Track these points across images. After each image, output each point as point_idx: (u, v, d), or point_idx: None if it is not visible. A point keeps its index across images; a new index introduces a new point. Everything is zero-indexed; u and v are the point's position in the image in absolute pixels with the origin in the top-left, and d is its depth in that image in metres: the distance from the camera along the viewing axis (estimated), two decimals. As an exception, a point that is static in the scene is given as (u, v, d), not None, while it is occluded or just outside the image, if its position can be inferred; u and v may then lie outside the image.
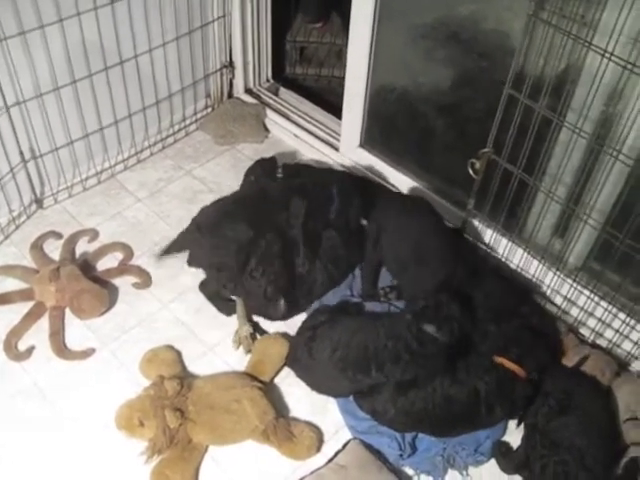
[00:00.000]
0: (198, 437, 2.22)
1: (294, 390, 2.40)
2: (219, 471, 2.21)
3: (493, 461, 2.25)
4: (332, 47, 3.92)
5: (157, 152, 3.29)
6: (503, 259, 2.69)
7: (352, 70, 2.96)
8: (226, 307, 2.61)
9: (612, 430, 2.23)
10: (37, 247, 2.76)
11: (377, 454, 2.22)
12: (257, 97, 3.56)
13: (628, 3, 1.93)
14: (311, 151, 3.32)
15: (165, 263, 2.76)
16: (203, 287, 2.66)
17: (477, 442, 2.26)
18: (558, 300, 2.60)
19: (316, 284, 2.60)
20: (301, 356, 2.36)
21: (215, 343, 2.54)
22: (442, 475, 2.22)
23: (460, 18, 2.58)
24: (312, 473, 2.15)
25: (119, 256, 2.80)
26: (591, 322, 2.55)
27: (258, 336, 2.53)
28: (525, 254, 2.62)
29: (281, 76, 3.82)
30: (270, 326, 2.59)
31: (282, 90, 3.64)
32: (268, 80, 3.67)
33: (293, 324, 2.54)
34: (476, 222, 2.76)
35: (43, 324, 2.52)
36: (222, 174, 3.21)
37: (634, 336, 2.43)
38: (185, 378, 2.32)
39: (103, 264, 2.76)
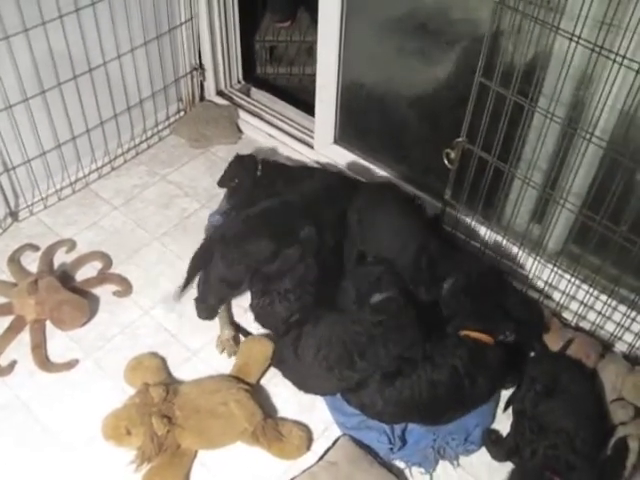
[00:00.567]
0: (186, 442, 2.20)
1: (281, 390, 2.39)
2: (210, 476, 2.19)
3: (484, 449, 2.26)
4: (302, 45, 3.91)
5: (131, 159, 3.26)
6: (482, 248, 2.70)
7: (322, 66, 2.95)
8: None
9: (599, 411, 2.25)
10: (14, 260, 2.73)
11: (367, 449, 2.22)
12: (229, 98, 3.55)
13: (593, -14, 1.95)
14: (286, 150, 3.31)
15: (145, 270, 2.75)
16: (199, 302, 2.57)
17: (466, 431, 2.26)
18: (540, 285, 2.61)
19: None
20: (287, 357, 2.35)
21: (199, 348, 2.52)
22: (433, 466, 2.22)
23: (427, 9, 2.59)
24: (304, 472, 2.14)
25: (98, 265, 2.77)
26: (573, 305, 2.56)
27: (242, 338, 2.51)
28: (504, 241, 2.63)
29: (252, 76, 3.80)
30: (255, 327, 2.56)
31: (254, 90, 3.63)
32: (239, 81, 3.66)
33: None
34: (454, 212, 2.76)
35: (24, 338, 2.49)
36: (198, 177, 3.19)
37: (616, 317, 2.45)
38: (170, 384, 2.30)
39: (82, 274, 2.73)
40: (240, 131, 3.43)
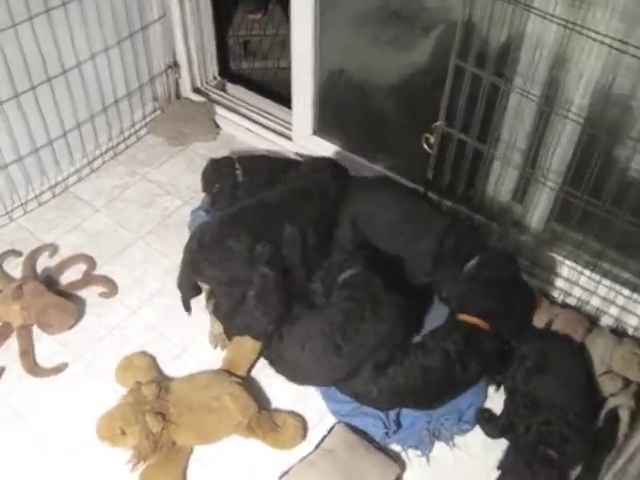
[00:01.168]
0: (182, 439, 2.20)
1: (273, 381, 2.39)
2: (207, 471, 2.19)
3: (478, 428, 2.28)
4: (275, 38, 3.91)
5: (109, 160, 3.24)
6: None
7: (298, 58, 2.95)
8: None
9: (590, 385, 2.28)
10: (-3, 267, 2.71)
11: (363, 435, 2.23)
12: (205, 95, 3.53)
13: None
14: (264, 143, 3.30)
15: (130, 269, 2.74)
16: (218, 311, 2.47)
17: (460, 411, 2.28)
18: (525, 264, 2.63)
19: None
20: (275, 358, 2.36)
21: (188, 344, 2.52)
22: (429, 448, 2.24)
23: (400, -4, 2.60)
24: (301, 461, 2.15)
25: (82, 268, 2.75)
26: (559, 282, 2.59)
27: (232, 331, 2.51)
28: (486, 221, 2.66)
29: (227, 72, 3.79)
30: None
31: (229, 86, 3.61)
32: (215, 77, 3.64)
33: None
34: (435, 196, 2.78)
35: (12, 344, 2.47)
36: (178, 175, 3.18)
37: (601, 291, 2.48)
38: (162, 381, 2.30)
39: (67, 277, 2.71)
40: (218, 127, 3.42)
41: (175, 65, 3.40)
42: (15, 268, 2.72)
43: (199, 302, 2.58)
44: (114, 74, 3.08)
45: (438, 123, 2.50)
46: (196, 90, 3.55)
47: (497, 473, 2.10)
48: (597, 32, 2.00)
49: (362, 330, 2.23)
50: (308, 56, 2.89)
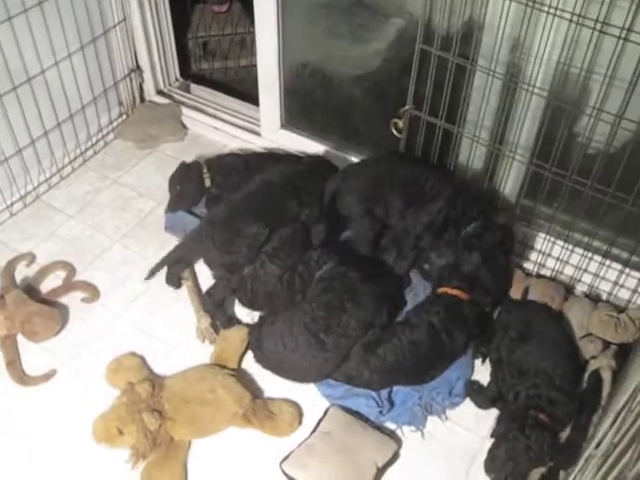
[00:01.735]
0: (179, 434, 2.21)
1: (264, 372, 2.40)
2: (206, 464, 2.21)
3: (468, 400, 2.34)
4: (234, 37, 3.92)
5: (79, 166, 3.22)
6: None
7: (263, 52, 2.97)
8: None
9: (572, 349, 2.36)
10: (-25, 280, 2.68)
11: (358, 415, 2.27)
12: (169, 97, 3.53)
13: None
14: (233, 140, 3.32)
15: (110, 273, 2.74)
16: (210, 296, 2.59)
17: (449, 385, 2.34)
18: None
19: None
20: (260, 358, 2.39)
21: (176, 341, 2.53)
22: (423, 423, 2.28)
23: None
24: (300, 445, 2.18)
25: (61, 274, 2.74)
26: (533, 256, 2.67)
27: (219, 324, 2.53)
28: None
29: (189, 73, 3.80)
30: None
31: (193, 86, 3.62)
32: (177, 79, 3.64)
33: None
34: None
35: (-3, 355, 2.46)
36: (149, 177, 3.18)
37: (574, 260, 2.56)
38: (155, 379, 2.31)
39: (47, 285, 2.69)
40: (185, 127, 3.42)
41: (138, 69, 3.40)
42: (-6, 280, 2.70)
43: (183, 299, 2.62)
44: (79, 80, 3.06)
45: (406, 107, 2.55)
46: (160, 92, 3.55)
47: (491, 441, 2.16)
48: (556, 8, 2.07)
49: (343, 320, 2.28)
50: (273, 50, 2.91)
